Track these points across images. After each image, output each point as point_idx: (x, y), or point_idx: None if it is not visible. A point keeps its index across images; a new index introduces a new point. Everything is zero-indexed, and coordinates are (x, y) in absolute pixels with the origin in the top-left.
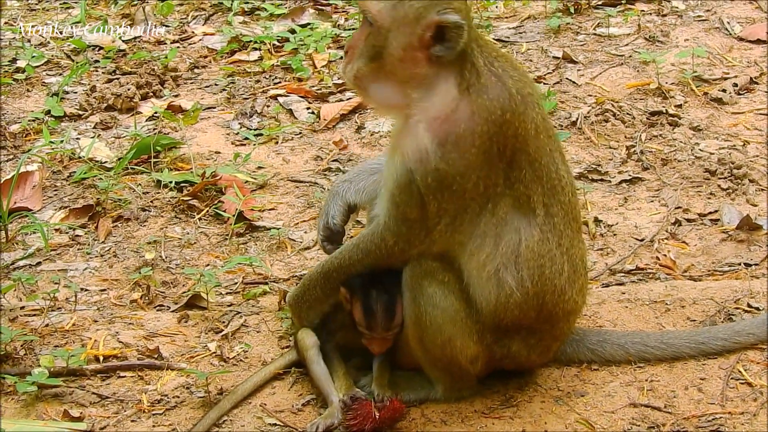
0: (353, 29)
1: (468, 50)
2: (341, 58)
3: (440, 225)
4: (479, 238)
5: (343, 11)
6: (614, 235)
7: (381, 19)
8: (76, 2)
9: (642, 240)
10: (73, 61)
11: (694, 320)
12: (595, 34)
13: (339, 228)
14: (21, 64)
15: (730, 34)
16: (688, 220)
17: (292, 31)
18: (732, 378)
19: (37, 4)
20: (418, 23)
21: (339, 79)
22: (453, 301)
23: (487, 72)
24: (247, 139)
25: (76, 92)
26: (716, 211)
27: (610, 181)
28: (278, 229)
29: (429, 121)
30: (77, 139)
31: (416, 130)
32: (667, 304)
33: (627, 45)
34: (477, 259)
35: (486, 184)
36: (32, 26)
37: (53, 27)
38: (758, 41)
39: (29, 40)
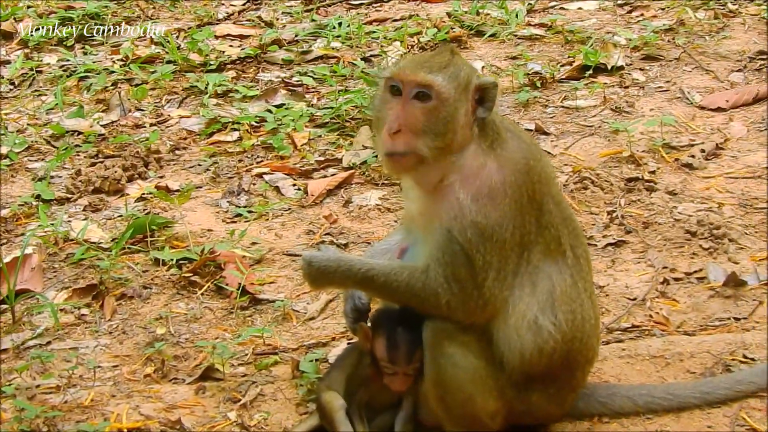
0: (328, 108)
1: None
2: (320, 136)
3: (488, 280)
4: (518, 289)
5: (315, 91)
6: (607, 295)
7: (446, 91)
8: (47, 89)
9: (634, 299)
10: (53, 146)
11: (694, 372)
12: (563, 106)
13: (367, 306)
14: (3, 150)
15: (691, 103)
16: (676, 279)
17: (269, 111)
18: (737, 425)
19: (8, 92)
20: (469, 89)
21: (323, 156)
22: (473, 360)
23: (503, 129)
24: (238, 216)
25: (60, 176)
26: (701, 270)
27: (596, 245)
28: (282, 301)
29: (462, 180)
30: (68, 221)
31: (451, 192)
32: (666, 358)
33: (595, 116)
34: (518, 311)
35: (521, 232)
36: (6, 114)
37: (29, 114)
38: (719, 109)
39: (6, 127)
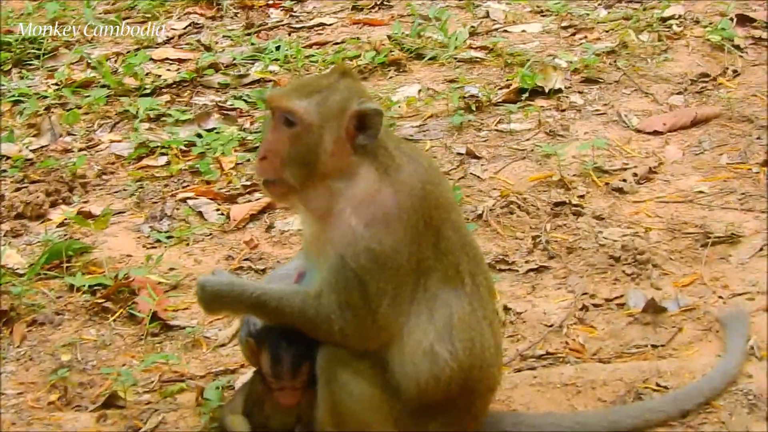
0: (259, 132)
1: (379, 137)
2: (249, 160)
3: (382, 306)
4: (414, 316)
5: (249, 115)
6: (524, 322)
7: (309, 117)
8: None
9: (551, 326)
10: None
11: (605, 401)
12: (497, 130)
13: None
14: None
15: (628, 126)
16: (595, 305)
17: (199, 136)
18: None
19: None
20: (343, 115)
21: (249, 181)
22: (367, 387)
23: (398, 153)
24: (158, 241)
25: None
26: (622, 296)
27: (517, 271)
28: (193, 327)
29: (354, 207)
30: None
31: (342, 218)
32: (577, 386)
33: (528, 140)
34: (414, 339)
35: (418, 258)
36: None
37: None
38: (655, 132)
39: None
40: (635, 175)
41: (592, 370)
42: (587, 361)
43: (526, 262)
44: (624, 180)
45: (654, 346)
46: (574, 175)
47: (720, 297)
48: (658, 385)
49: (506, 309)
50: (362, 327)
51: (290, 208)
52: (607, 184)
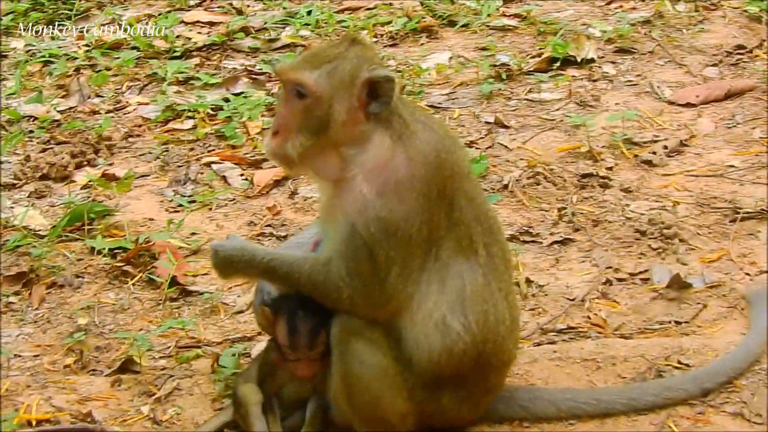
0: None
1: (393, 105)
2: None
3: (391, 275)
4: (425, 286)
5: (277, 80)
6: (546, 295)
7: (320, 89)
8: (10, 74)
9: (573, 300)
10: (7, 131)
11: (625, 377)
12: (526, 99)
13: None
14: None
15: (660, 98)
16: (619, 280)
17: (226, 100)
18: None
19: None
20: (354, 84)
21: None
22: (380, 358)
23: (413, 120)
24: (181, 205)
25: (10, 162)
26: (646, 271)
27: (541, 243)
28: (211, 293)
29: (366, 174)
30: (11, 208)
31: (354, 185)
32: (598, 361)
33: (558, 110)
34: (424, 309)
35: (430, 227)
36: None
37: None
38: (688, 104)
39: None
40: (665, 147)
41: (613, 346)
42: (609, 336)
43: (551, 234)
44: (654, 152)
45: (677, 323)
46: (603, 146)
47: (747, 274)
48: (679, 362)
49: (528, 281)
50: (370, 295)
51: (305, 176)
52: (636, 156)
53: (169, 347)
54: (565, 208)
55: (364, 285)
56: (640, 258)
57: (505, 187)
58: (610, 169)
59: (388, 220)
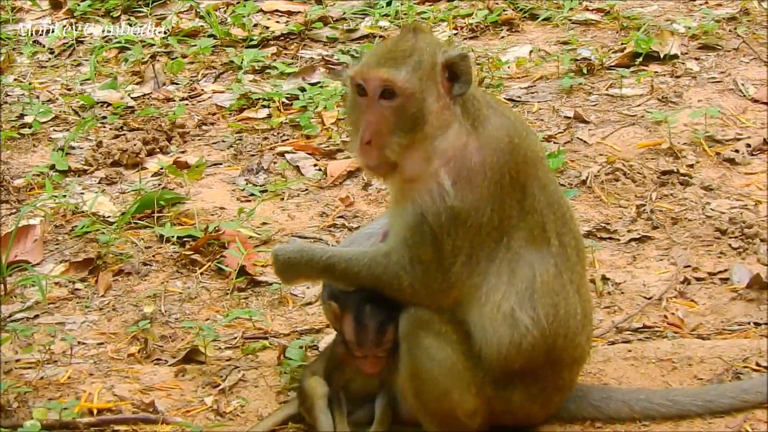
0: None
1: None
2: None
3: (456, 265)
4: (494, 276)
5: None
6: (622, 293)
7: (411, 85)
8: (86, 60)
9: (650, 298)
10: (80, 117)
11: (701, 379)
12: (607, 94)
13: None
14: (28, 119)
15: (744, 95)
16: (698, 279)
17: (302, 89)
18: None
19: (46, 61)
20: (435, 71)
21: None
22: (450, 352)
23: (485, 106)
24: (252, 195)
25: (82, 147)
26: (726, 270)
27: (619, 240)
28: (280, 284)
29: (444, 164)
30: (81, 193)
31: (430, 173)
32: (674, 362)
33: (639, 105)
34: (492, 300)
35: (501, 216)
36: (40, 83)
37: (63, 84)
38: None
39: (38, 96)
40: (748, 146)
41: (689, 346)
42: (685, 336)
43: (629, 231)
44: (736, 150)
45: (757, 324)
46: (684, 143)
47: None
48: (758, 364)
49: (605, 279)
50: (432, 284)
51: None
52: (718, 154)
53: (236, 338)
54: (643, 205)
55: (426, 273)
56: (719, 257)
57: (583, 182)
58: (691, 166)
59: (458, 210)
